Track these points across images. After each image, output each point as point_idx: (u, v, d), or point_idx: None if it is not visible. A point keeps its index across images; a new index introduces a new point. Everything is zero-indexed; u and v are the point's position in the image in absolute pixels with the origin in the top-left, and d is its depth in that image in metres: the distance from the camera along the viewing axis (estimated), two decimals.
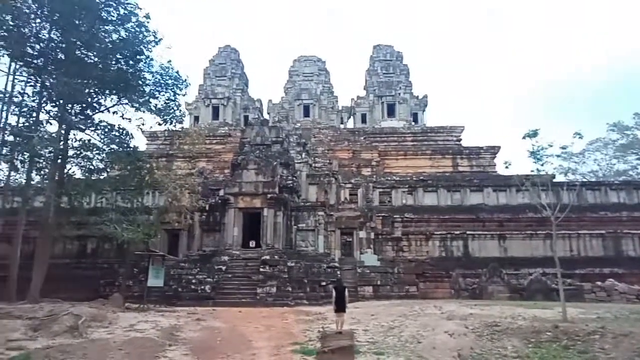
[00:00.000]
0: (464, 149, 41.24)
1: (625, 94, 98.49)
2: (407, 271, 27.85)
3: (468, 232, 31.18)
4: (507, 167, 17.67)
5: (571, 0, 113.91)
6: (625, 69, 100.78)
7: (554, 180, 29.07)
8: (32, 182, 22.58)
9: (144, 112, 23.17)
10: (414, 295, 26.00)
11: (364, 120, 47.42)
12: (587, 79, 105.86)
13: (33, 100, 21.82)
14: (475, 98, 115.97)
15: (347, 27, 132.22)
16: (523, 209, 31.75)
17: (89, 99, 22.52)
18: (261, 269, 24.56)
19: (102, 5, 22.06)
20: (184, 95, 24.42)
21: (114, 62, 22.57)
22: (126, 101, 23.06)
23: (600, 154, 57.39)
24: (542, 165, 16.65)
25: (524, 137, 16.68)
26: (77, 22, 21.42)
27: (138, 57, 22.93)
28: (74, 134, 22.47)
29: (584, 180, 45.85)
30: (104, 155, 23.02)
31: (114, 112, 23.29)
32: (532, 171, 17.46)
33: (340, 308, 13.00)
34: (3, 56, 21.00)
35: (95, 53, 22.26)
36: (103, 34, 22.39)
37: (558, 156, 16.88)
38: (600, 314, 15.14)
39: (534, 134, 16.43)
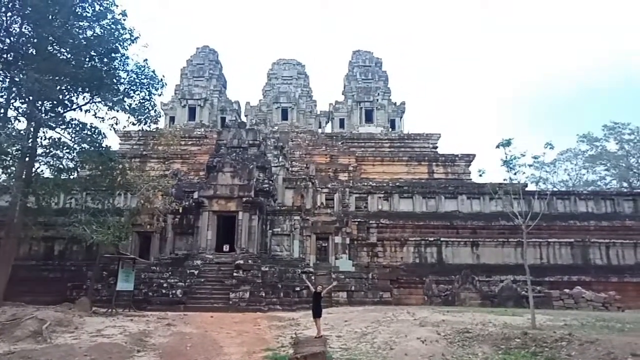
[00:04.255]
0: (440, 156, 41.78)
1: (597, 104, 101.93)
2: (382, 277, 27.95)
3: (442, 239, 31.55)
4: (481, 175, 17.89)
5: (541, 11, 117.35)
6: (596, 79, 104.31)
7: (526, 189, 29.68)
8: None
9: (117, 111, 22.56)
10: (388, 301, 26.08)
11: (342, 125, 47.56)
12: (558, 91, 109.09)
13: (1, 96, 21.06)
14: (455, 103, 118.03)
15: (327, 32, 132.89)
16: (496, 216, 32.37)
17: (61, 96, 21.80)
18: (235, 274, 24.28)
19: (77, 1, 21.49)
20: (159, 95, 23.91)
21: (87, 59, 21.95)
22: (99, 99, 22.41)
23: (570, 164, 58.95)
24: (514, 174, 16.93)
25: (497, 146, 16.92)
26: (50, 17, 20.75)
27: (113, 55, 22.35)
28: (44, 132, 21.69)
29: (555, 189, 47.02)
30: (74, 154, 22.27)
31: (86, 111, 22.58)
32: (505, 180, 17.76)
33: (316, 313, 13.19)
34: None
35: (68, 49, 21.59)
36: (77, 30, 21.74)
37: (530, 165, 17.19)
38: (567, 321, 15.46)
39: (507, 143, 16.70)
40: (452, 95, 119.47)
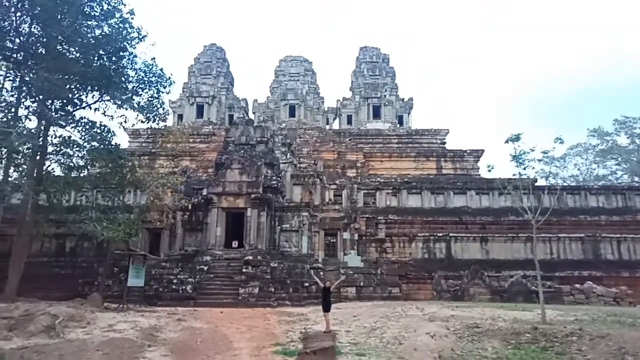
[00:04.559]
0: (448, 151, 41.59)
1: (597, 104, 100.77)
2: (390, 272, 27.92)
3: (451, 234, 31.43)
4: (490, 171, 17.77)
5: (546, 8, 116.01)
6: (596, 79, 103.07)
7: (536, 184, 29.49)
8: (10, 179, 22.04)
9: (126, 109, 22.78)
10: (397, 297, 26.07)
11: (349, 122, 47.53)
12: (558, 91, 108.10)
13: (12, 95, 21.29)
14: (460, 101, 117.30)
15: (334, 28, 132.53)
16: (505, 212, 32.18)
17: (70, 95, 22.02)
18: (244, 270, 24.39)
19: (85, 0, 21.68)
20: (167, 93, 24.11)
21: (96, 58, 22.15)
22: (108, 98, 22.61)
23: (580, 159, 58.46)
24: (524, 169, 16.83)
25: (506, 142, 16.81)
26: (59, 16, 20.96)
27: (121, 53, 22.54)
28: (54, 130, 21.97)
29: (565, 184, 46.63)
30: (84, 152, 22.51)
31: (95, 109, 22.82)
32: (514, 175, 17.70)
33: (326, 308, 13.38)
34: None
35: (77, 48, 21.81)
36: (86, 29, 21.95)
37: (540, 160, 17.11)
38: (578, 316, 15.36)
39: (516, 138, 16.59)
40: (453, 94, 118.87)
